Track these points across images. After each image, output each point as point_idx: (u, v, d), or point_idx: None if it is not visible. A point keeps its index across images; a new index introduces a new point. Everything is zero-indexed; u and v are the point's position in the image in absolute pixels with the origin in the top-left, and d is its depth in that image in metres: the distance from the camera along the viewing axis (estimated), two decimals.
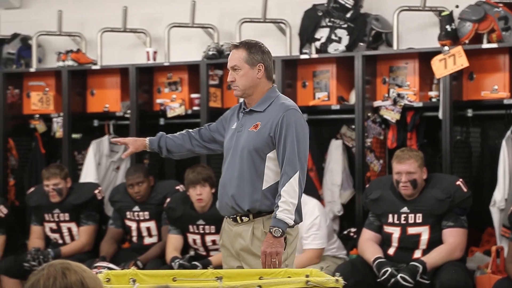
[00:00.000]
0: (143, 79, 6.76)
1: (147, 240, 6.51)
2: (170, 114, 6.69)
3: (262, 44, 4.32)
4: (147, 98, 6.85)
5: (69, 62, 6.95)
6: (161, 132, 4.48)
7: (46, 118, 7.08)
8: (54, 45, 7.33)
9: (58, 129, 6.95)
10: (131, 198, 6.48)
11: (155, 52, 6.90)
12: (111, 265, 6.13)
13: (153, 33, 7.04)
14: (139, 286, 3.43)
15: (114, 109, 6.93)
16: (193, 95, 6.71)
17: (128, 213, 6.51)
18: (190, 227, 6.19)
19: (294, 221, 4.17)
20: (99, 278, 2.52)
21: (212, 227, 6.16)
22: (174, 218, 6.23)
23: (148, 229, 6.50)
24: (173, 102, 6.71)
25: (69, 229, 6.62)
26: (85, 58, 7.01)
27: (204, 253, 6.25)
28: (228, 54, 6.48)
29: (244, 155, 4.21)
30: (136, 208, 6.48)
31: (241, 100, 4.37)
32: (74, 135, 6.96)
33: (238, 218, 4.26)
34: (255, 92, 4.26)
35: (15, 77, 7.12)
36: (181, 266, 5.87)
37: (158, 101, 6.80)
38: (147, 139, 4.43)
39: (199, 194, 6.10)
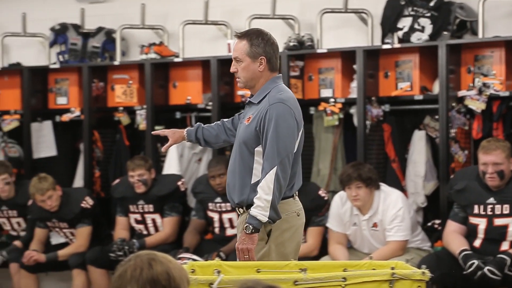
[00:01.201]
0: (224, 71, 6.78)
1: (229, 231, 6.54)
2: None
3: (268, 34, 4.22)
4: (229, 90, 6.87)
5: (152, 55, 7.02)
6: (198, 123, 4.47)
7: (130, 111, 7.17)
8: (137, 38, 7.41)
9: (141, 121, 7.04)
10: (213, 190, 6.52)
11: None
12: (194, 256, 6.18)
13: (234, 25, 7.05)
14: (224, 277, 3.45)
15: (196, 101, 6.97)
16: None
17: (210, 204, 6.55)
18: None
19: (269, 217, 4.05)
20: (185, 269, 2.54)
21: None
22: None
23: (230, 220, 6.54)
24: None
25: (153, 220, 6.71)
26: (167, 50, 7.07)
27: None
28: (310, 46, 6.55)
29: (237, 147, 4.19)
30: (218, 199, 6.52)
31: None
32: (157, 127, 7.03)
33: (237, 209, 4.27)
34: (257, 84, 4.20)
35: (100, 70, 7.23)
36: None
37: (239, 93, 6.82)
38: (185, 130, 4.42)
39: None
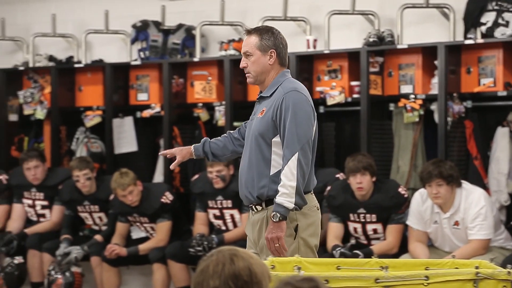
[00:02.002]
0: (303, 67, 6.77)
1: None
2: (329, 102, 6.67)
3: (276, 30, 4.26)
4: (307, 86, 6.72)
5: (231, 51, 7.05)
6: (205, 138, 4.46)
7: (209, 107, 7.22)
8: (216, 34, 7.45)
9: (220, 118, 7.07)
10: None
11: (315, 40, 6.89)
12: None
13: (313, 21, 7.03)
14: (304, 274, 3.45)
15: None
16: (353, 83, 6.66)
17: None
18: (351, 215, 6.17)
19: (295, 204, 4.05)
20: (266, 265, 2.54)
21: (373, 215, 6.11)
22: (335, 206, 6.22)
23: None
24: (333, 90, 6.68)
25: (232, 216, 6.74)
26: None
27: (365, 242, 6.21)
28: (390, 41, 6.48)
29: (253, 142, 4.16)
30: None
31: None
32: (235, 123, 7.06)
33: (253, 207, 4.20)
34: (267, 79, 4.20)
35: (180, 66, 7.30)
36: (342, 255, 5.86)
37: (318, 89, 6.79)
38: (192, 147, 4.42)
39: (359, 183, 6.07)
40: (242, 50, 4.23)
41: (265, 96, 4.21)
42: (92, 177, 7.03)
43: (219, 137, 4.45)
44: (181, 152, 4.42)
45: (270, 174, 4.13)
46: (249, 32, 4.24)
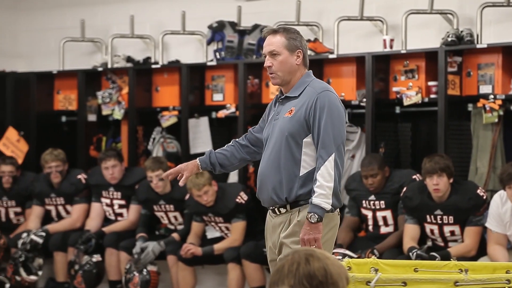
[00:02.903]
0: (379, 67, 6.72)
1: (383, 229, 6.48)
2: (406, 102, 6.60)
3: (298, 31, 4.19)
4: (383, 86, 6.80)
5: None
6: (209, 149, 4.40)
7: None
8: None
9: None
10: (367, 187, 6.46)
11: (391, 40, 6.82)
12: (347, 252, 6.17)
13: (390, 21, 6.96)
14: (381, 276, 3.42)
15: (350, 98, 6.93)
16: (430, 83, 6.58)
17: (364, 202, 6.50)
18: (428, 217, 6.09)
19: (332, 205, 3.99)
20: (344, 267, 2.52)
21: (451, 217, 6.03)
22: (411, 208, 6.15)
23: (384, 218, 6.47)
24: (410, 90, 6.61)
25: None
26: (322, 47, 7.07)
27: (442, 244, 6.13)
28: (469, 41, 6.37)
29: (281, 142, 4.07)
30: (372, 197, 6.46)
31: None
32: None
33: (276, 209, 4.12)
34: (293, 79, 4.11)
35: (255, 67, 7.31)
36: (419, 257, 5.78)
37: (394, 89, 6.73)
38: (197, 160, 4.34)
39: (436, 184, 5.99)
40: (267, 49, 4.13)
41: (290, 97, 4.14)
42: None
43: (224, 147, 4.37)
44: (187, 168, 4.31)
45: (300, 175, 4.08)
46: (274, 31, 4.15)
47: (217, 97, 7.52)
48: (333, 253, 5.94)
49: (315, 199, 4.00)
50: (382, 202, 6.44)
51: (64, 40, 8.17)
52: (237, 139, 4.39)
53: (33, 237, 7.29)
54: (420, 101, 6.57)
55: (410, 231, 6.13)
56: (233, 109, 7.35)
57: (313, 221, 3.99)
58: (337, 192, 4.03)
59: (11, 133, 8.06)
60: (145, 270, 6.93)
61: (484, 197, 6.02)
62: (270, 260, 4.24)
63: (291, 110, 4.10)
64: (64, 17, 8.55)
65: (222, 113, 7.39)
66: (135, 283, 6.92)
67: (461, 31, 6.45)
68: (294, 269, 2.49)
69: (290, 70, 4.11)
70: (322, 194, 3.99)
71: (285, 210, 4.12)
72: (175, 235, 7.09)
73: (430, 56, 6.55)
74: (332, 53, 7.01)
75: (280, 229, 4.12)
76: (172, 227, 7.29)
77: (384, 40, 6.82)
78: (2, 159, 7.73)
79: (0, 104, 8.18)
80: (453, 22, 6.66)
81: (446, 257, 5.61)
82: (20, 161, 7.91)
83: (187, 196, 7.00)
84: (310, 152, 4.07)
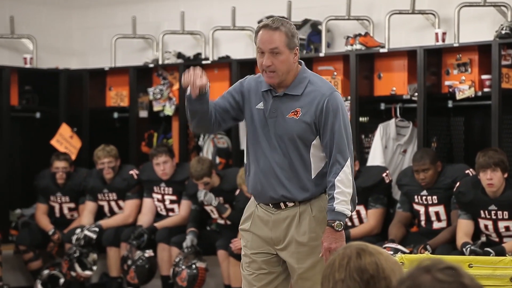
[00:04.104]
0: (431, 61, 6.65)
1: (436, 225, 6.41)
2: (459, 96, 6.52)
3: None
4: (435, 80, 6.73)
5: (357, 46, 6.99)
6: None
7: None
8: (342, 29, 7.41)
9: None
10: (418, 182, 6.41)
11: (444, 33, 6.75)
12: (399, 247, 6.12)
13: (442, 14, 6.89)
14: (446, 261, 3.36)
15: (401, 92, 6.87)
16: (484, 76, 6.49)
17: (416, 197, 6.45)
18: (482, 212, 6.01)
19: (351, 211, 3.90)
20: (398, 263, 2.48)
21: (505, 212, 5.94)
22: (465, 203, 6.08)
23: (437, 213, 6.40)
24: (462, 84, 6.53)
25: (358, 212, 6.69)
26: (373, 41, 7.02)
27: (496, 240, 6.04)
28: None
29: (288, 142, 3.91)
30: (424, 192, 6.40)
31: (260, 76, 3.99)
32: (361, 119, 7.01)
33: (282, 204, 3.98)
34: (288, 77, 3.92)
35: (305, 62, 7.14)
36: (473, 252, 5.72)
37: (447, 83, 6.65)
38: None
39: (490, 179, 5.91)
40: (268, 46, 3.87)
41: (291, 95, 3.94)
42: (210, 182, 7.07)
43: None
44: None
45: (312, 177, 3.96)
46: (275, 27, 3.88)
47: None
48: (385, 248, 5.92)
49: (338, 207, 3.88)
50: (435, 197, 6.37)
51: (116, 37, 8.25)
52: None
53: (86, 232, 7.37)
54: (473, 95, 6.49)
55: (464, 226, 6.06)
56: None
57: (339, 229, 3.88)
58: (354, 198, 3.95)
59: (65, 129, 8.17)
60: (193, 265, 6.96)
61: None
62: (253, 253, 4.04)
63: (296, 111, 3.93)
64: (116, 15, 8.63)
65: None
66: (183, 278, 6.95)
67: None
68: (345, 263, 2.47)
69: (289, 69, 3.92)
70: (344, 200, 3.89)
71: (292, 204, 3.99)
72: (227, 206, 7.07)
73: (483, 49, 6.47)
74: (383, 47, 6.96)
75: (287, 224, 3.99)
76: (222, 221, 7.31)
77: (436, 34, 6.75)
78: (56, 155, 7.83)
79: (53, 101, 8.29)
80: (507, 15, 6.56)
81: (501, 252, 5.54)
82: (73, 157, 8.00)
83: (237, 192, 7.02)
84: (316, 153, 3.96)
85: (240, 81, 4.13)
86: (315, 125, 3.92)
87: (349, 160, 3.89)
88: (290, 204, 3.98)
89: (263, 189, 3.99)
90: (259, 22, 7.56)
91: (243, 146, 7.50)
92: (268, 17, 7.51)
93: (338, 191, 3.87)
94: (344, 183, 3.87)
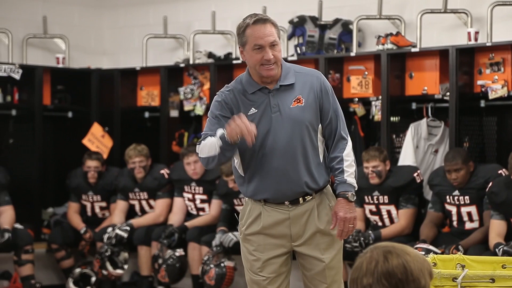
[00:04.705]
0: (463, 61, 6.60)
1: (468, 225, 6.36)
2: (491, 96, 6.46)
3: None
4: (467, 79, 6.67)
5: (388, 45, 6.95)
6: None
7: (365, 102, 7.15)
8: (373, 28, 7.37)
9: (376, 113, 7.00)
10: (450, 182, 6.36)
11: (476, 33, 6.69)
12: (431, 247, 6.08)
13: (475, 13, 6.83)
14: (468, 272, 3.34)
15: (433, 92, 6.83)
16: None
17: (448, 197, 6.40)
18: None
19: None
20: (427, 261, 2.46)
21: None
22: (497, 203, 6.02)
23: (469, 213, 6.35)
24: (495, 83, 6.47)
25: (388, 212, 6.65)
26: (404, 40, 6.98)
27: None
28: None
29: (300, 132, 3.87)
30: (456, 192, 6.36)
31: (233, 84, 3.95)
32: (392, 118, 6.97)
33: (300, 199, 3.94)
34: (279, 68, 3.93)
35: (336, 61, 7.27)
36: (506, 253, 5.66)
37: (479, 82, 6.60)
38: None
39: None
40: (268, 40, 3.83)
41: (285, 85, 3.91)
42: None
43: None
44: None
45: (321, 161, 3.99)
46: (265, 20, 3.86)
47: None
48: (416, 248, 5.88)
49: (349, 179, 3.92)
50: (467, 197, 6.32)
51: (147, 37, 8.28)
52: None
53: (118, 231, 7.41)
54: (506, 95, 6.43)
55: (497, 227, 6.00)
56: None
57: (352, 200, 3.92)
58: (356, 174, 4.03)
59: (96, 129, 8.22)
60: (222, 264, 6.97)
61: None
62: (270, 257, 3.99)
63: (298, 98, 3.91)
64: (147, 14, 8.67)
65: None
66: (211, 276, 6.96)
67: None
68: (372, 267, 2.46)
69: (281, 60, 3.94)
70: (352, 173, 3.95)
71: (310, 197, 3.96)
72: None
73: None
74: (414, 46, 6.92)
75: (306, 218, 3.96)
76: None
77: (469, 33, 6.70)
78: (88, 154, 7.88)
79: (85, 101, 8.35)
80: None
81: None
82: (105, 156, 8.05)
83: (217, 181, 7.03)
84: (321, 137, 3.99)
85: (216, 102, 3.98)
86: (319, 107, 3.94)
87: (349, 138, 4.00)
88: (308, 198, 3.96)
89: (281, 188, 3.93)
90: (289, 22, 7.58)
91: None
92: (298, 17, 7.51)
93: (347, 164, 3.92)
94: (350, 157, 3.95)
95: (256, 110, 3.90)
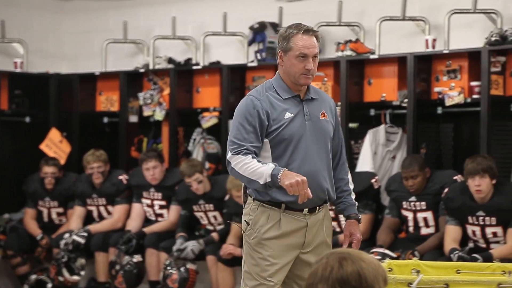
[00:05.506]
0: (421, 68, 6.66)
1: (424, 231, 6.41)
2: (448, 102, 6.53)
3: None
4: (425, 86, 6.73)
5: (348, 52, 6.99)
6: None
7: None
8: (333, 35, 7.41)
9: None
10: (406, 189, 6.41)
11: (434, 40, 6.76)
12: (387, 252, 6.12)
13: (433, 21, 6.90)
14: (423, 277, 3.37)
15: (391, 98, 6.88)
16: (473, 83, 6.50)
17: (404, 203, 6.45)
18: (469, 218, 6.02)
19: None
20: (382, 267, 2.47)
21: (493, 218, 5.95)
22: (453, 209, 6.08)
23: (425, 219, 6.40)
24: (452, 90, 6.54)
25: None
26: (363, 47, 7.03)
27: (483, 245, 6.05)
28: None
29: (325, 143, 4.10)
30: (413, 198, 6.41)
31: (263, 90, 4.06)
32: (351, 125, 7.01)
33: (317, 207, 4.10)
34: None
35: None
36: (461, 258, 5.71)
37: (436, 89, 6.66)
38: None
39: (478, 185, 5.91)
40: (313, 51, 4.04)
41: (314, 98, 4.13)
42: (203, 179, 7.07)
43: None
44: None
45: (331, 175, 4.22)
46: (314, 32, 4.08)
47: None
48: (373, 253, 5.92)
49: (355, 202, 4.22)
50: (423, 203, 6.38)
51: (107, 42, 8.24)
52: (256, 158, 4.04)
53: (75, 237, 7.35)
54: (462, 102, 6.50)
55: (452, 232, 6.06)
56: None
57: (360, 222, 4.20)
58: None
59: (54, 134, 8.15)
60: (183, 267, 6.95)
61: None
62: (286, 263, 4.08)
63: (323, 113, 4.13)
64: (107, 19, 8.62)
65: None
66: (173, 280, 6.93)
67: (505, 31, 6.37)
68: (327, 273, 2.46)
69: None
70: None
71: (322, 207, 4.14)
72: (214, 235, 7.10)
73: (473, 56, 6.48)
74: (373, 53, 6.97)
75: (317, 227, 4.10)
76: (211, 227, 7.30)
77: (427, 40, 6.76)
78: (45, 160, 7.81)
79: (43, 105, 8.27)
80: (497, 22, 6.57)
81: (488, 259, 5.54)
82: (62, 162, 7.98)
83: (227, 197, 7.01)
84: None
85: (253, 110, 4.03)
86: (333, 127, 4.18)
87: None
88: (322, 207, 4.12)
89: (317, 191, 4.04)
90: (250, 28, 7.59)
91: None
92: (259, 23, 7.53)
93: (352, 187, 4.22)
94: (351, 183, 4.25)
95: (292, 115, 4.05)
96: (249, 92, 4.15)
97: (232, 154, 3.99)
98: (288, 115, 4.04)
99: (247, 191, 4.12)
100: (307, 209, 4.06)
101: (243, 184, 4.14)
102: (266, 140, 4.04)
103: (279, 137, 4.03)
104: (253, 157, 3.94)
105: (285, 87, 4.07)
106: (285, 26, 4.18)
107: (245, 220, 4.09)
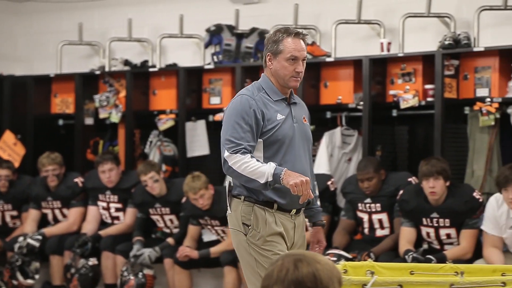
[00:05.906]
0: (376, 71, 6.71)
1: (379, 232, 6.47)
2: (403, 105, 6.59)
3: None
4: (380, 89, 6.79)
5: None
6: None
7: None
8: None
9: None
10: (362, 190, 6.45)
11: (389, 43, 6.82)
12: (342, 252, 6.16)
13: (388, 24, 6.96)
14: (377, 279, 3.40)
15: (347, 101, 6.93)
16: (427, 86, 6.57)
17: (360, 204, 6.50)
18: (424, 219, 6.08)
19: None
20: (337, 268, 2.49)
21: (447, 220, 6.02)
22: (407, 211, 6.14)
23: (380, 221, 6.46)
24: (407, 93, 6.60)
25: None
26: (319, 50, 7.06)
27: (437, 247, 6.12)
28: (466, 44, 6.36)
29: (309, 148, 4.19)
30: (368, 200, 6.45)
31: (254, 91, 4.08)
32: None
33: (301, 209, 4.21)
34: None
35: (252, 70, 7.30)
36: (415, 260, 5.77)
37: (391, 92, 6.72)
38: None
39: (432, 187, 5.98)
40: (303, 54, 4.11)
41: (297, 102, 4.23)
42: (159, 179, 7.06)
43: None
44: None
45: None
46: (303, 35, 4.14)
47: (214, 101, 7.51)
48: (328, 254, 5.96)
49: (321, 208, 4.36)
50: (378, 205, 6.43)
51: (62, 44, 8.18)
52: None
53: (29, 240, 7.28)
54: (417, 104, 6.56)
55: (406, 234, 6.12)
56: None
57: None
58: None
59: (8, 136, 8.06)
60: (140, 273, 6.92)
61: (480, 200, 6.01)
62: None
63: (304, 117, 4.21)
64: (62, 21, 8.55)
65: (219, 116, 7.37)
66: (131, 286, 6.91)
67: (458, 34, 6.45)
68: (282, 275, 2.47)
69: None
70: None
71: (302, 209, 4.23)
72: (170, 240, 7.08)
73: (427, 59, 6.55)
74: (329, 56, 7.01)
75: (301, 228, 4.20)
76: (167, 230, 7.28)
77: (382, 43, 6.82)
78: None
79: None
80: (450, 26, 6.65)
81: (442, 260, 5.61)
82: (16, 164, 7.90)
83: (183, 199, 7.00)
84: None
85: (249, 110, 4.03)
86: None
87: None
88: (302, 209, 4.20)
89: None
90: (206, 30, 7.59)
91: (190, 154, 7.48)
92: (215, 25, 7.53)
93: (317, 193, 4.37)
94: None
95: (284, 117, 4.09)
96: (241, 92, 4.15)
97: (229, 153, 3.98)
98: (280, 116, 4.08)
99: (233, 193, 4.10)
100: (294, 210, 4.12)
101: (227, 186, 4.13)
102: (260, 140, 4.06)
103: (273, 137, 4.05)
104: (252, 157, 3.96)
105: (275, 89, 4.11)
106: (273, 30, 4.23)
107: (244, 223, 4.08)
